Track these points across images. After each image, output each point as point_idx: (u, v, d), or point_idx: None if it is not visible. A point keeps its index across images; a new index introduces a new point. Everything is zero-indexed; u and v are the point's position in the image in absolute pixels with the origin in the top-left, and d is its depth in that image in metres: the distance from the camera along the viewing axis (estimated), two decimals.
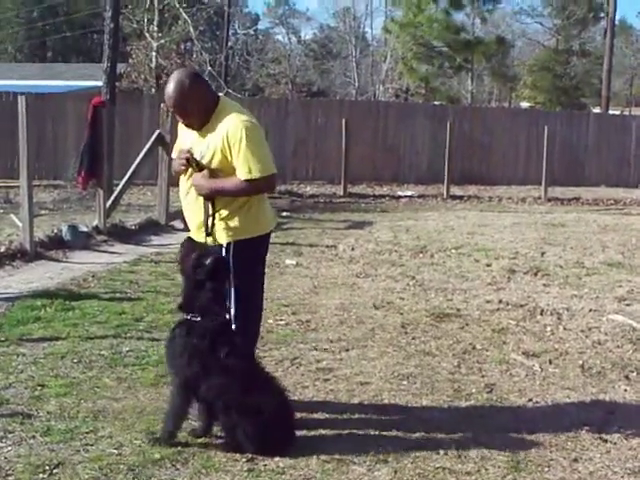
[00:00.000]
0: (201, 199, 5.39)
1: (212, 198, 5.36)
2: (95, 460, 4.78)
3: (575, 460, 5.04)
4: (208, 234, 5.37)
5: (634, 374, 6.82)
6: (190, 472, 4.70)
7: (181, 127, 5.60)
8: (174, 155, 5.63)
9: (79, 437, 5.11)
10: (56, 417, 5.42)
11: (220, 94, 5.65)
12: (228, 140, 5.25)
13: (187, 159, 5.38)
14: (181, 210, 5.75)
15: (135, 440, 5.08)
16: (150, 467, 4.72)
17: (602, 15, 48.77)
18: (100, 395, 5.90)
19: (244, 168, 5.24)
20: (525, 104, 53.72)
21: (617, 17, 43.71)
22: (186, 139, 5.53)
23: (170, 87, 5.36)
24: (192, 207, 5.51)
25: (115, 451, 4.93)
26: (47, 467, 4.67)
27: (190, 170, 5.40)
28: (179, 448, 4.96)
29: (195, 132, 5.44)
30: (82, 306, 8.52)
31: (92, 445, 5.01)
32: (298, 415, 5.46)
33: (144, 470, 4.69)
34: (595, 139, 29.06)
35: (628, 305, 9.40)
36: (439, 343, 7.61)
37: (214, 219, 5.38)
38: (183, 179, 5.53)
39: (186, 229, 5.67)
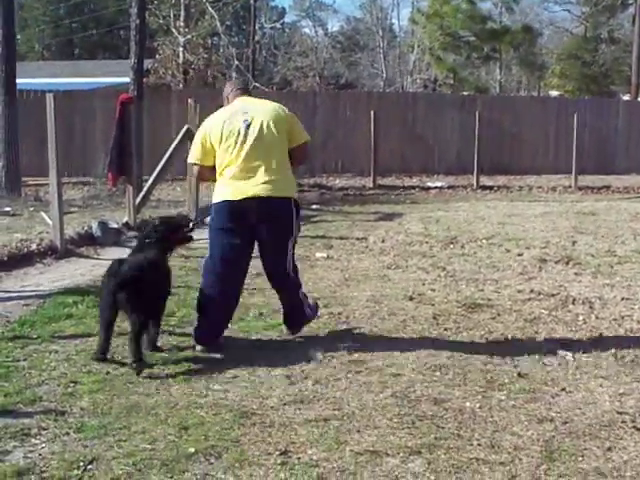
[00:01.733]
0: None
1: None
2: (129, 455, 4.80)
3: (609, 449, 5.01)
4: None
5: None
6: (224, 466, 4.71)
7: None
8: None
9: (112, 433, 5.13)
10: (89, 413, 5.45)
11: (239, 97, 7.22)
12: None
13: None
14: (211, 205, 6.98)
15: (168, 435, 5.10)
16: (184, 462, 4.74)
17: (630, 1, 48.41)
18: (133, 391, 5.92)
19: None
20: (554, 93, 53.42)
21: None
22: None
23: None
24: None
25: (149, 446, 4.94)
26: (81, 463, 4.69)
27: None
28: (212, 442, 4.97)
29: None
30: None
31: (125, 441, 5.02)
32: (331, 408, 5.49)
33: (178, 465, 4.70)
34: (625, 126, 28.87)
35: None
36: (471, 334, 7.58)
37: None
38: None
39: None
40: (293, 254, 7.14)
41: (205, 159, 6.95)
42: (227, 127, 6.78)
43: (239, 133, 6.75)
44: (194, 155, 7.00)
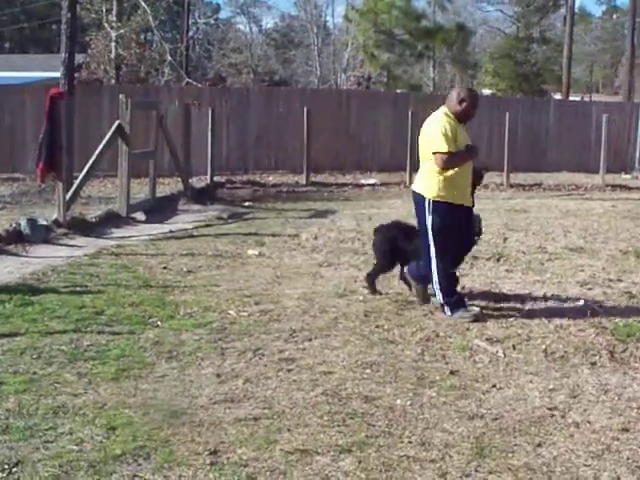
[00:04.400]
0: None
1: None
2: (55, 457, 4.72)
3: (539, 445, 5.05)
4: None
5: (596, 358, 6.85)
6: (152, 467, 4.65)
7: (458, 126, 8.29)
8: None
9: (39, 434, 5.04)
10: (15, 414, 5.35)
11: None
12: None
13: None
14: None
15: (96, 436, 5.03)
16: (111, 463, 4.67)
17: (562, 2, 49.07)
18: (60, 391, 5.83)
19: None
20: (487, 91, 53.94)
21: (576, 5, 43.94)
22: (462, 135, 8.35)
23: None
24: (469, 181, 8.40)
25: (76, 447, 4.87)
26: (6, 466, 4.60)
27: None
28: (140, 443, 4.91)
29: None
30: (42, 301, 8.40)
31: (52, 442, 4.94)
32: (261, 407, 5.45)
33: (105, 466, 4.63)
34: (556, 125, 29.20)
35: (590, 289, 9.45)
36: (402, 331, 7.59)
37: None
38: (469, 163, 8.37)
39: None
40: (433, 247, 8.15)
41: None
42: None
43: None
44: None
